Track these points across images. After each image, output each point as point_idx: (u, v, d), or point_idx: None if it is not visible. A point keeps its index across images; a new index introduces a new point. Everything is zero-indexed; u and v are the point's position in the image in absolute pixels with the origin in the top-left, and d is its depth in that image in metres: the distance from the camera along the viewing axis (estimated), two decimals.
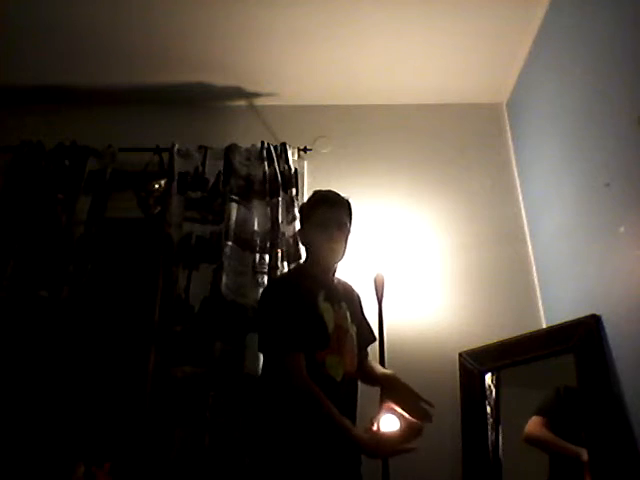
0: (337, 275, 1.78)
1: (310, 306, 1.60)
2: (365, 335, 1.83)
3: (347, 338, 1.66)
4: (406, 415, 1.58)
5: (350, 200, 1.77)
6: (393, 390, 1.67)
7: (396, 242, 2.28)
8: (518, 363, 1.98)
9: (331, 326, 1.61)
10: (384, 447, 1.49)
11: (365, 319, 1.87)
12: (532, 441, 1.86)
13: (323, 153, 2.55)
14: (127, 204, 2.44)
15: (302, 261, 1.90)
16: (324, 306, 1.63)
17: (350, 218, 1.76)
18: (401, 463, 1.86)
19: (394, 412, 1.61)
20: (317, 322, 1.58)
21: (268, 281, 2.14)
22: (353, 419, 1.60)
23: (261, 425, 1.55)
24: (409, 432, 1.53)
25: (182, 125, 2.65)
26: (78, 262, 2.23)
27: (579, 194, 1.97)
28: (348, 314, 1.71)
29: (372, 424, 1.56)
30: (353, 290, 1.86)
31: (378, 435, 1.51)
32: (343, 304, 1.71)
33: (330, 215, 1.70)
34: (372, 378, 1.77)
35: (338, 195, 1.75)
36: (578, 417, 1.73)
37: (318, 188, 2.46)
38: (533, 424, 1.86)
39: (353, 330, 1.70)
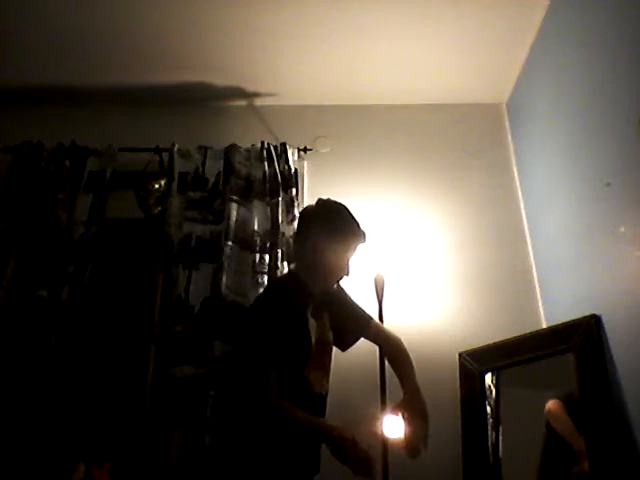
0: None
1: (300, 323, 1.59)
2: (355, 325, 1.79)
3: (327, 349, 1.67)
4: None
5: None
6: (408, 406, 1.64)
7: (396, 242, 2.27)
8: (518, 363, 1.98)
9: (313, 341, 1.60)
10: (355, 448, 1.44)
11: (355, 312, 1.82)
12: (551, 417, 1.87)
13: (323, 153, 2.55)
14: (127, 204, 2.44)
15: (297, 266, 1.80)
16: (311, 321, 1.63)
17: None
18: (401, 463, 1.87)
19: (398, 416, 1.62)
20: (305, 339, 1.58)
21: (266, 287, 2.07)
22: None
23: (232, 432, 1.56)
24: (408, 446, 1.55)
25: (182, 125, 2.65)
26: (78, 262, 2.23)
27: (579, 194, 1.97)
28: (328, 324, 1.70)
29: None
30: (336, 292, 1.81)
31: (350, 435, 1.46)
32: (325, 314, 1.71)
33: (356, 251, 1.71)
34: (399, 379, 1.75)
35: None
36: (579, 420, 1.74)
37: (318, 188, 2.47)
38: (555, 403, 1.87)
39: (330, 338, 1.70)
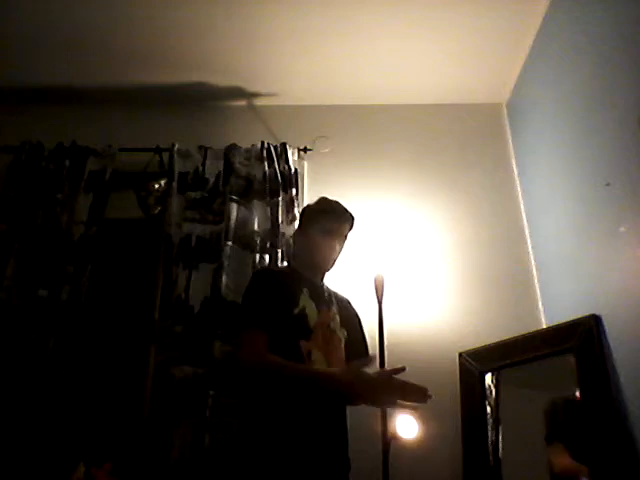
0: (337, 287, 1.83)
1: (290, 295, 1.61)
2: (357, 349, 1.77)
3: (334, 339, 1.67)
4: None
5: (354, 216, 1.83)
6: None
7: (396, 242, 2.28)
8: (518, 363, 1.98)
9: (313, 321, 1.61)
10: (366, 383, 1.40)
11: (362, 337, 1.84)
12: (564, 476, 1.80)
13: (323, 153, 2.55)
14: (127, 204, 2.44)
15: (293, 258, 1.90)
16: (307, 301, 1.64)
17: (350, 230, 1.83)
18: (401, 463, 1.87)
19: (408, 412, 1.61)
20: (296, 310, 1.59)
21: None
22: (343, 419, 1.60)
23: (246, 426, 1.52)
24: (411, 391, 1.41)
25: (182, 125, 2.65)
26: (78, 262, 2.23)
27: (579, 194, 1.97)
28: (338, 318, 1.71)
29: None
30: (351, 306, 1.87)
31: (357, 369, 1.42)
32: (333, 308, 1.73)
33: (337, 227, 1.78)
34: None
35: (346, 209, 1.81)
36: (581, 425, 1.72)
37: (318, 188, 2.47)
38: (557, 456, 1.81)
39: (343, 334, 1.71)
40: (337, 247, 1.77)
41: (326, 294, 1.77)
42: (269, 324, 1.52)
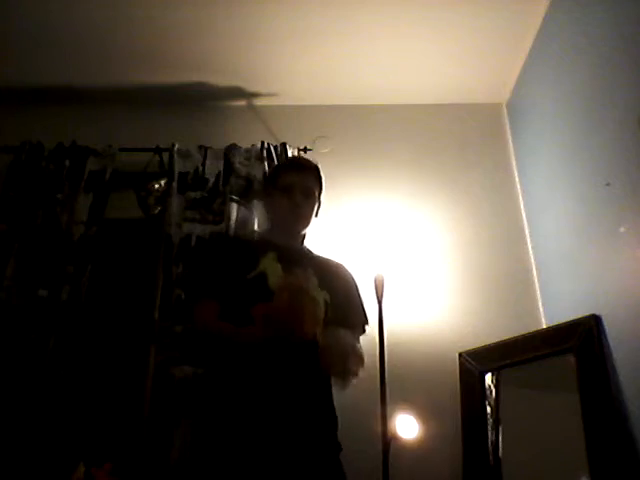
0: (329, 257, 1.76)
1: (244, 260, 1.56)
2: (344, 313, 1.64)
3: (306, 300, 1.49)
4: None
5: (319, 166, 1.74)
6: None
7: (396, 242, 2.27)
8: (518, 363, 1.98)
9: (275, 283, 1.51)
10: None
11: (358, 302, 1.74)
12: None
13: (323, 153, 2.55)
14: (127, 204, 2.44)
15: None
16: (270, 264, 1.56)
17: (319, 185, 1.73)
18: (401, 463, 1.87)
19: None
20: (252, 274, 1.53)
21: None
22: (318, 384, 1.52)
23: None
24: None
25: (182, 125, 2.65)
26: (78, 262, 2.23)
27: (579, 194, 1.97)
28: (316, 280, 1.56)
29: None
30: (343, 269, 1.76)
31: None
32: (309, 270, 1.57)
33: (296, 180, 1.67)
34: None
35: (306, 160, 1.74)
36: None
37: None
38: None
39: (322, 296, 1.56)
40: (302, 202, 1.65)
41: (307, 258, 1.67)
42: (216, 291, 1.52)
